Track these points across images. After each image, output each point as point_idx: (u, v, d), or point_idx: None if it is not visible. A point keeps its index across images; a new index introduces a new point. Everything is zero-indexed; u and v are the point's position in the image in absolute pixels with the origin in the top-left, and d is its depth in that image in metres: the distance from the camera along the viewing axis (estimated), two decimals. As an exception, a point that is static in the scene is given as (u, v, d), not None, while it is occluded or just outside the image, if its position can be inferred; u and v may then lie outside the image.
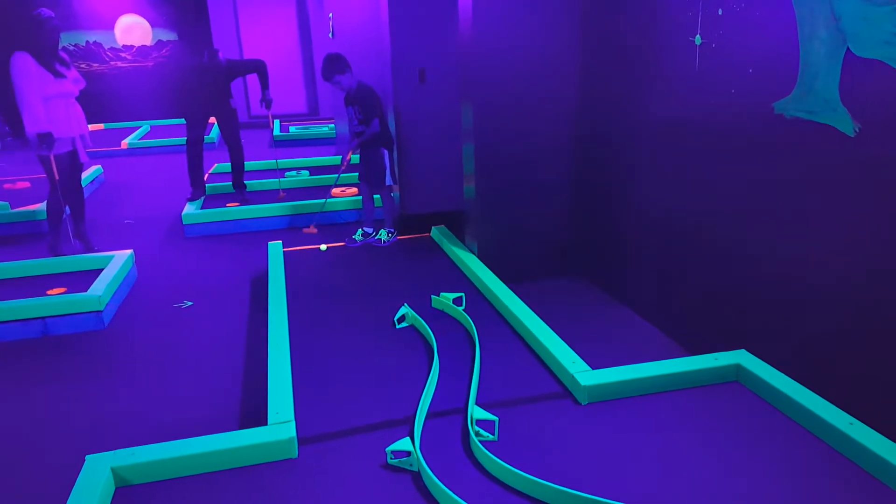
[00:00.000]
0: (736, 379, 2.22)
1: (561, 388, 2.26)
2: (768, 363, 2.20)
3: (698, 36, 2.49)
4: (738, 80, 2.32)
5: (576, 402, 2.17)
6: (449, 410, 2.14)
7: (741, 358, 2.24)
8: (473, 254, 3.54)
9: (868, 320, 1.92)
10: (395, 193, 4.45)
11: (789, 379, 2.10)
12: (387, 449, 1.86)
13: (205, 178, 5.55)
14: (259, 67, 5.17)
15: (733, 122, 2.37)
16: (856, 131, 1.89)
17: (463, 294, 2.97)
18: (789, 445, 1.89)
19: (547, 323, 2.63)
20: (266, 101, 5.16)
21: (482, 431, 1.97)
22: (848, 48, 1.88)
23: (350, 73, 3.86)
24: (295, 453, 1.92)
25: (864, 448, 1.77)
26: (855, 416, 1.89)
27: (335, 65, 3.83)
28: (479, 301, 3.02)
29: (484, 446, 1.88)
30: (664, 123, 2.79)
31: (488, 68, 3.29)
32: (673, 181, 2.78)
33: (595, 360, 2.32)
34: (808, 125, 2.05)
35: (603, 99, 3.26)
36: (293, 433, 1.92)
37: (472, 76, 3.32)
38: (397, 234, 4.07)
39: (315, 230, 4.44)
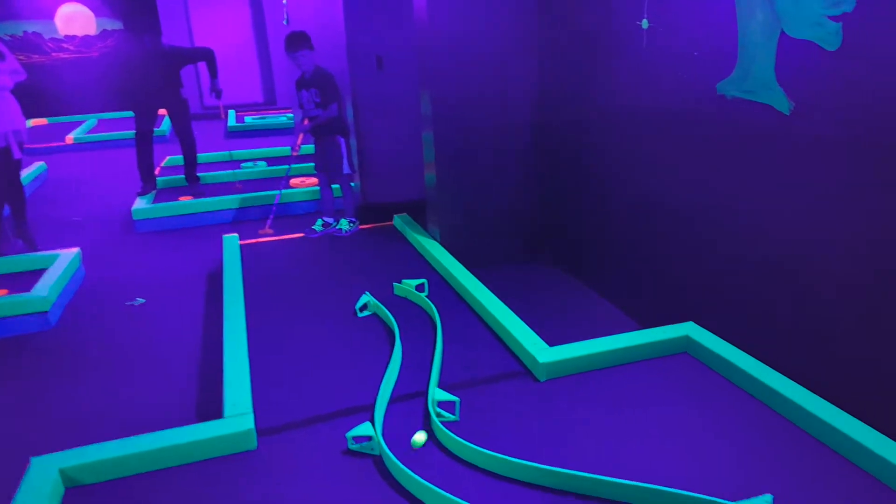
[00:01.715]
0: (685, 350, 2.36)
1: (521, 367, 2.37)
2: (718, 335, 2.34)
3: (645, 20, 2.59)
4: (684, 63, 2.44)
5: (535, 379, 2.28)
6: (411, 394, 2.23)
7: (689, 330, 2.38)
8: (436, 241, 3.62)
9: (811, 290, 2.05)
10: (356, 182, 4.50)
11: (735, 348, 2.25)
12: (347, 434, 1.94)
13: (156, 172, 5.52)
14: (206, 55, 5.14)
15: (681, 103, 2.49)
16: (791, 109, 2.01)
17: (425, 280, 3.05)
18: (736, 412, 2.04)
19: (509, 306, 2.74)
20: (215, 91, 5.14)
21: (443, 412, 2.06)
22: (782, 30, 2.00)
23: (312, 54, 3.90)
24: (254, 444, 1.98)
25: (809, 413, 1.91)
26: (801, 384, 2.03)
27: (303, 41, 3.87)
28: (441, 287, 3.12)
29: (445, 427, 1.97)
30: (618, 107, 2.90)
31: (446, 56, 3.37)
32: (628, 162, 2.90)
33: (555, 339, 2.44)
34: (747, 105, 2.17)
35: (561, 84, 3.35)
36: (251, 425, 1.98)
37: (430, 64, 3.39)
38: (359, 224, 4.12)
39: (271, 231, 4.29)
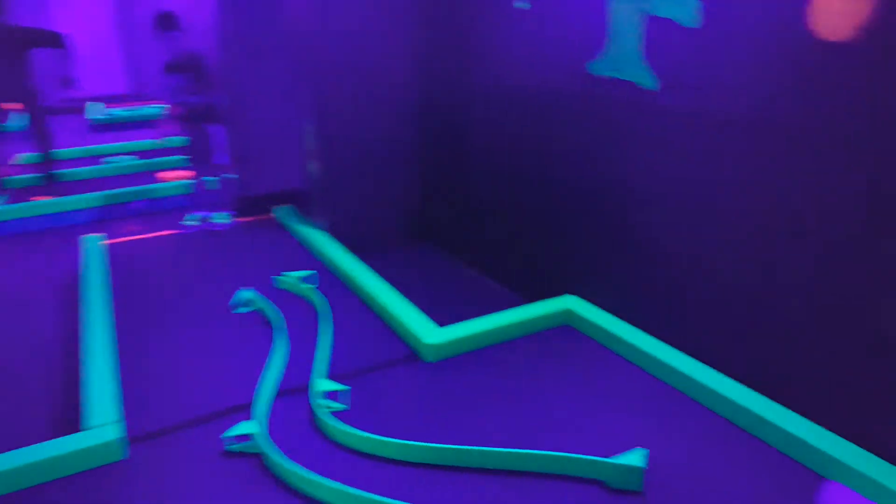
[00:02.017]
0: (567, 322, 2.44)
1: (409, 350, 2.36)
2: (600, 306, 2.43)
3: (523, 1, 2.63)
4: (559, 43, 2.49)
5: (423, 361, 2.28)
6: (296, 388, 2.16)
7: (570, 303, 2.46)
8: (321, 230, 3.54)
9: (685, 257, 2.16)
10: (232, 173, 4.31)
11: (614, 318, 2.35)
12: (223, 435, 1.85)
13: (6, 171, 5.04)
14: (56, 40, 4.73)
15: (558, 83, 2.54)
16: (657, 86, 2.10)
17: (312, 271, 2.97)
18: (616, 378, 2.13)
19: (399, 290, 2.72)
20: (65, 81, 4.73)
21: (331, 403, 2.01)
22: (647, 9, 2.08)
23: (182, 36, 3.68)
24: (123, 455, 1.85)
25: (685, 376, 2.02)
26: (680, 349, 2.14)
27: (172, 22, 3.64)
28: (328, 277, 3.04)
29: (332, 417, 1.93)
30: (497, 88, 2.93)
31: (323, 42, 3.27)
32: (507, 143, 2.94)
33: (445, 321, 2.44)
34: (617, 83, 2.25)
35: (444, 68, 3.35)
36: (118, 434, 1.85)
37: (307, 50, 3.29)
38: (237, 217, 3.96)
39: (136, 228, 3.96)
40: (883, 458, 1.63)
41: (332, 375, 2.20)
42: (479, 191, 3.25)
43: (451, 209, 3.56)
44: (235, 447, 1.84)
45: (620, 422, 1.91)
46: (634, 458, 1.65)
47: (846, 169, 1.65)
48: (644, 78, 2.13)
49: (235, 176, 4.27)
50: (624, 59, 2.20)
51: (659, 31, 2.06)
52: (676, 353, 2.12)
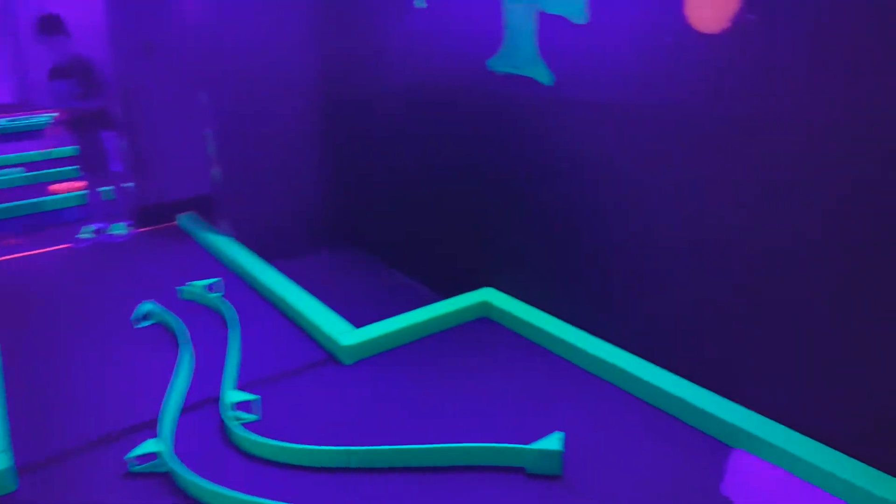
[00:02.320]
0: (485, 315, 2.46)
1: (326, 354, 2.31)
2: (516, 297, 2.46)
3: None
4: (460, 41, 2.51)
5: (341, 363, 2.24)
6: (205, 401, 2.08)
7: (487, 295, 2.48)
8: (226, 236, 3.42)
9: (592, 245, 2.22)
10: (129, 182, 4.11)
11: (529, 307, 2.39)
12: (126, 457, 1.76)
13: None
14: None
15: (459, 80, 2.56)
16: (552, 81, 2.14)
17: (219, 279, 2.87)
18: (533, 364, 2.17)
19: (313, 294, 2.66)
20: None
21: (242, 414, 1.94)
22: (540, 7, 2.13)
23: (68, 40, 3.47)
24: (13, 486, 1.72)
25: (599, 359, 2.08)
26: (595, 335, 2.20)
27: (59, 23, 3.43)
28: (237, 284, 2.94)
29: (244, 428, 1.86)
30: (406, 86, 2.93)
31: (218, 43, 3.17)
32: (414, 140, 2.94)
33: (363, 322, 2.39)
34: (516, 79, 2.29)
35: (347, 68, 3.32)
36: (6, 464, 1.71)
37: (201, 51, 3.20)
38: (136, 226, 3.77)
39: (19, 241, 3.70)
40: (786, 425, 1.73)
41: (246, 385, 2.12)
42: (390, 189, 3.23)
43: (363, 209, 3.53)
44: (140, 468, 1.75)
45: (539, 408, 1.94)
46: (552, 442, 1.68)
47: (728, 146, 1.74)
48: (540, 73, 2.18)
49: (132, 184, 4.08)
50: (520, 55, 2.24)
51: (552, 27, 2.11)
52: (590, 337, 2.18)
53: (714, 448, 1.75)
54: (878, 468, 1.56)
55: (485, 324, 2.43)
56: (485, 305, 2.46)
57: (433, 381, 2.10)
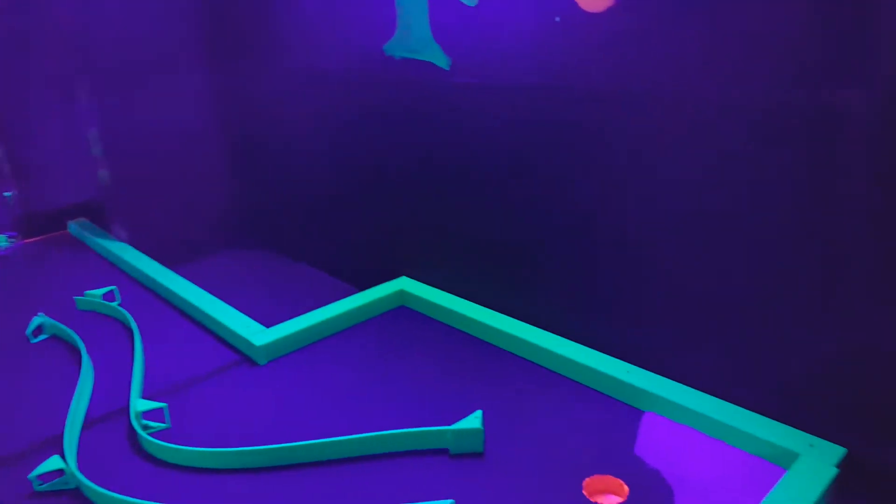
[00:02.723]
0: (402, 303, 2.50)
1: (238, 355, 2.27)
2: (433, 285, 2.51)
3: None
4: (352, 26, 2.51)
5: (255, 364, 2.21)
6: (112, 413, 2.00)
7: (403, 284, 2.52)
8: (122, 242, 3.28)
9: (498, 229, 2.28)
10: (9, 192, 3.87)
11: (446, 293, 2.44)
12: (30, 476, 1.67)
13: None
14: None
15: (359, 66, 2.56)
16: (450, 65, 2.19)
17: (114, 287, 2.75)
18: (452, 349, 2.22)
19: (220, 297, 2.60)
20: None
21: (150, 423, 1.89)
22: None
23: None
24: None
25: (515, 337, 2.16)
26: (510, 315, 2.27)
27: None
28: (137, 291, 2.84)
29: (153, 437, 1.81)
30: (300, 75, 2.89)
31: (97, 36, 3.04)
32: (322, 130, 2.92)
33: (276, 321, 2.37)
34: (413, 63, 2.32)
35: (238, 61, 3.24)
36: None
37: (81, 46, 3.05)
38: (21, 237, 3.56)
39: None
40: (690, 385, 1.86)
41: (155, 393, 2.06)
42: (292, 183, 3.20)
43: (266, 206, 3.47)
44: (46, 486, 1.67)
45: (460, 390, 1.99)
46: (472, 421, 1.74)
47: (622, 124, 1.84)
48: (438, 58, 2.22)
49: (12, 192, 3.84)
50: (416, 39, 2.27)
51: (444, 10, 2.15)
52: (504, 317, 2.25)
53: (627, 413, 1.86)
54: (778, 420, 1.70)
55: (402, 313, 2.46)
56: (401, 294, 2.49)
57: (353, 374, 2.10)
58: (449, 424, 1.76)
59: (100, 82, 3.10)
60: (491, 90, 2.11)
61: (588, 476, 1.59)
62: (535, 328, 2.17)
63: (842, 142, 1.46)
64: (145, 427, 1.86)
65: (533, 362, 2.11)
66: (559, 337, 2.11)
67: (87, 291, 2.72)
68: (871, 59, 1.38)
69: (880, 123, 1.40)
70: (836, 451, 1.58)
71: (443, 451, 1.75)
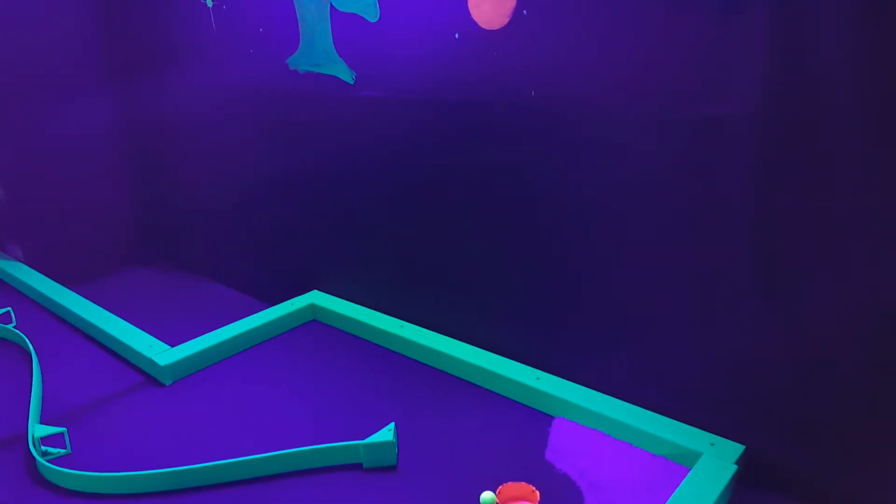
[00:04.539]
0: (313, 318, 2.55)
1: (142, 376, 2.27)
2: (346, 298, 2.57)
3: (208, -3, 2.64)
4: (255, 40, 2.55)
5: (160, 384, 2.21)
6: (7, 439, 1.98)
7: (314, 297, 2.57)
8: (16, 262, 3.20)
9: (403, 239, 2.37)
10: None
11: (357, 305, 2.52)
12: (-87, 511, 1.64)
13: None
14: None
15: (262, 80, 2.60)
16: (354, 79, 2.27)
17: (9, 309, 2.69)
18: (364, 361, 2.30)
19: (123, 316, 2.58)
20: None
21: (50, 449, 1.87)
22: (331, 4, 2.24)
23: None
24: None
25: (426, 348, 2.25)
26: (420, 325, 2.36)
27: None
28: (33, 312, 2.78)
29: (53, 464, 1.80)
30: (204, 89, 2.90)
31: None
32: (229, 144, 2.93)
33: (181, 339, 2.38)
34: (318, 77, 2.38)
35: (140, 74, 3.21)
36: None
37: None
38: None
39: None
40: (597, 389, 1.99)
41: (55, 417, 2.04)
42: (201, 196, 3.19)
43: (171, 221, 3.45)
44: (-70, 523, 1.64)
45: (373, 403, 2.06)
46: (384, 434, 1.80)
47: (518, 135, 1.95)
48: (341, 72, 2.30)
49: None
50: (319, 53, 2.34)
51: (347, 25, 2.23)
52: (415, 328, 2.33)
53: (537, 419, 1.97)
54: (681, 421, 1.84)
55: (314, 326, 2.51)
56: (312, 308, 2.54)
57: (263, 391, 2.14)
58: (362, 438, 1.83)
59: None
60: (395, 103, 2.19)
61: (501, 484, 1.68)
62: (446, 338, 2.26)
63: (722, 150, 1.62)
64: (44, 454, 1.85)
65: (445, 372, 2.20)
66: (469, 346, 2.21)
67: (-22, 314, 2.65)
68: (747, 75, 1.54)
69: (756, 134, 1.56)
70: (736, 449, 1.71)
71: (356, 466, 1.81)
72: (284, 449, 1.81)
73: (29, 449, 1.88)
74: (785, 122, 1.48)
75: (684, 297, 1.79)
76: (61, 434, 1.91)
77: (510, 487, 1.66)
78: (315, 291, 2.62)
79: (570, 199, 1.92)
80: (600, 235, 1.89)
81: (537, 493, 1.65)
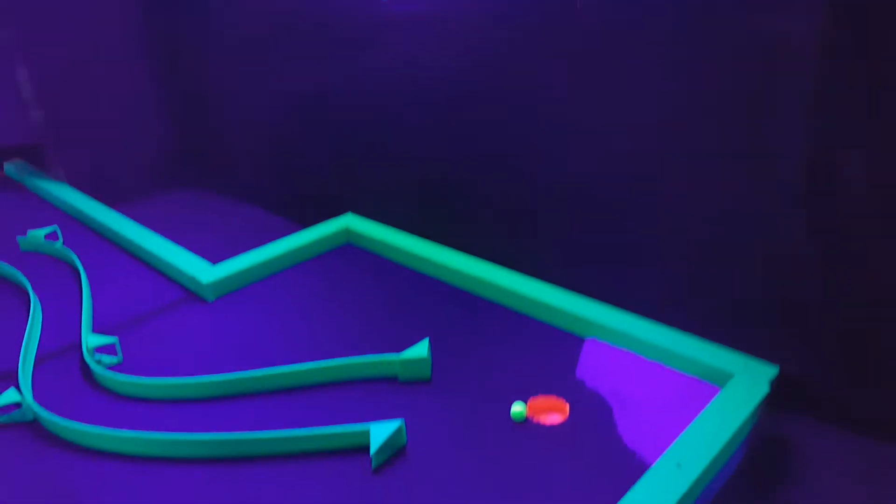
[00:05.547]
0: (348, 241, 2.64)
1: (185, 292, 2.40)
2: (380, 221, 2.64)
3: None
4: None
5: (203, 300, 2.34)
6: (63, 348, 2.13)
7: (348, 221, 2.66)
8: (60, 183, 3.33)
9: (434, 164, 2.40)
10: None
11: (391, 229, 2.58)
12: (-13, 407, 1.80)
13: None
14: None
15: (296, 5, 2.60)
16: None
17: (56, 227, 2.83)
18: (398, 284, 2.38)
19: (166, 235, 2.70)
20: None
21: (103, 357, 2.01)
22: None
23: None
24: None
25: (460, 272, 2.31)
26: (455, 249, 2.42)
27: None
28: (81, 232, 2.92)
29: (108, 370, 1.93)
30: (239, 16, 2.91)
31: None
32: (259, 72, 2.97)
33: (221, 258, 2.49)
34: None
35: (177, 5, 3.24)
36: None
37: None
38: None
39: None
40: (627, 310, 2.04)
41: (105, 329, 2.19)
42: (239, 120, 3.26)
43: (212, 144, 3.53)
44: (3, 419, 1.80)
45: (406, 323, 2.15)
46: (419, 350, 1.89)
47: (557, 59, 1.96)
48: None
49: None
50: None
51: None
52: (449, 251, 2.40)
53: (569, 340, 2.04)
54: (713, 341, 1.88)
55: (348, 250, 2.60)
56: (346, 232, 2.63)
57: (300, 309, 2.25)
58: (397, 351, 1.92)
59: (26, 20, 3.08)
60: (432, 22, 2.19)
61: (531, 397, 1.75)
62: (479, 261, 2.33)
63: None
64: (98, 361, 1.99)
65: (477, 295, 2.27)
66: (502, 268, 2.27)
67: (30, 231, 2.79)
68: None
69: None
70: (769, 370, 1.73)
71: (392, 380, 1.91)
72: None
73: (83, 357, 2.03)
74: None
75: (716, 221, 1.81)
76: (113, 344, 2.05)
77: (540, 399, 1.74)
78: (349, 214, 2.70)
79: (603, 132, 1.93)
80: (635, 164, 1.90)
81: (567, 405, 1.72)
